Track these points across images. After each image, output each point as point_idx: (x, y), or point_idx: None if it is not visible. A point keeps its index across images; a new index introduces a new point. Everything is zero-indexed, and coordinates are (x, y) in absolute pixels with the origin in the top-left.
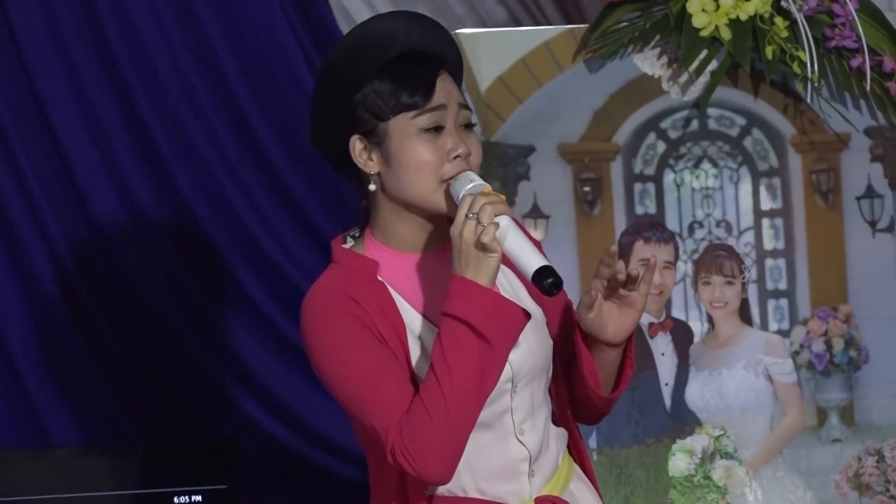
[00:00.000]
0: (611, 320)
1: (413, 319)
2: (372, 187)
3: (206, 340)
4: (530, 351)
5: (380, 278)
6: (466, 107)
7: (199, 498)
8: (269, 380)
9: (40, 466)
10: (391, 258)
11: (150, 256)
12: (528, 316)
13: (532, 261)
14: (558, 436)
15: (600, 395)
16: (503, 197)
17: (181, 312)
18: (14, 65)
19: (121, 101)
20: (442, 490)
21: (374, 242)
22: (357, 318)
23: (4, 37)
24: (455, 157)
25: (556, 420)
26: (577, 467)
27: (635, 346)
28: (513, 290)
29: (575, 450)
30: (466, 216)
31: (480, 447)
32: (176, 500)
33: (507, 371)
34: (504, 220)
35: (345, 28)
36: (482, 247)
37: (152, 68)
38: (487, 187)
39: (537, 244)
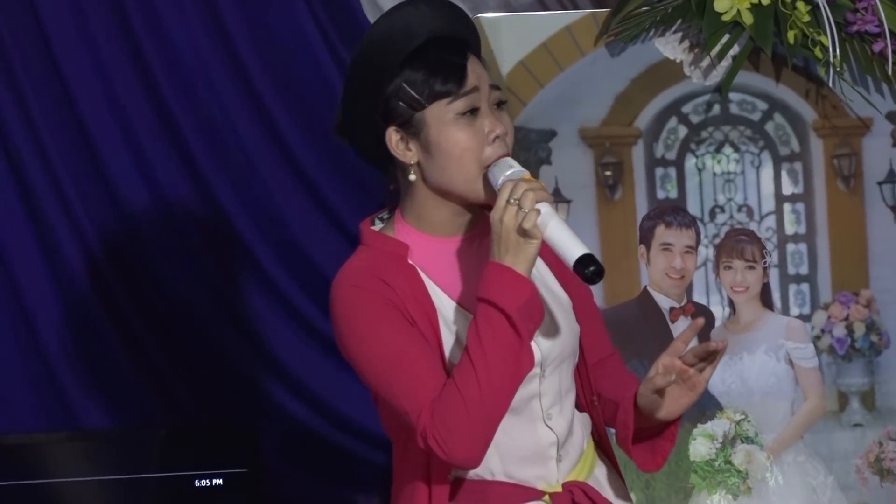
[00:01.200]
0: (668, 399)
1: (444, 303)
2: (412, 177)
3: (230, 326)
4: (559, 337)
5: (410, 261)
6: (496, 86)
7: (220, 482)
8: (293, 364)
9: (68, 450)
10: (422, 242)
11: (177, 246)
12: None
13: (574, 249)
14: (583, 421)
15: (628, 448)
16: (543, 184)
17: (206, 300)
18: (47, 67)
19: (149, 97)
20: (470, 473)
21: (405, 226)
22: (388, 300)
23: (38, 40)
24: (494, 139)
25: (580, 406)
26: (605, 466)
27: (656, 334)
28: (540, 276)
29: (598, 435)
30: (508, 202)
31: (508, 431)
32: (197, 483)
33: (536, 355)
34: (545, 207)
35: (372, 17)
36: (523, 233)
37: (180, 64)
38: (527, 174)
39: None
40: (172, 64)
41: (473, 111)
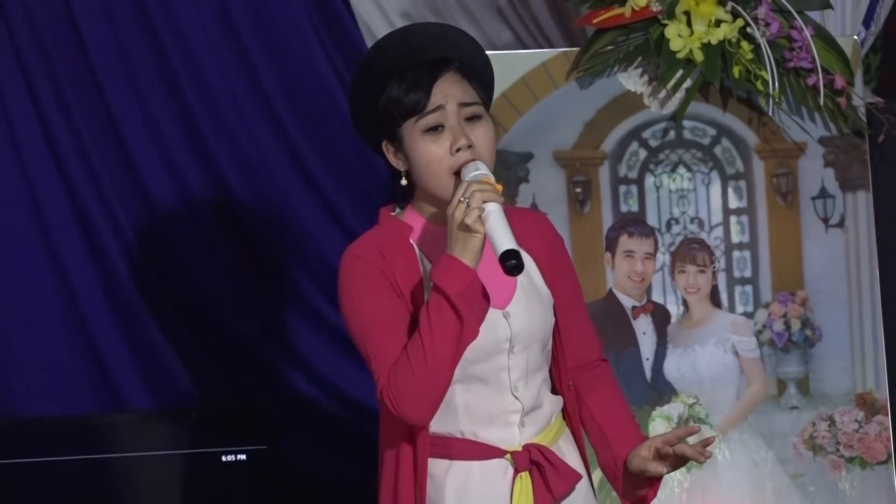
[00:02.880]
0: (650, 466)
1: (425, 278)
2: (404, 182)
3: (252, 318)
4: (529, 320)
5: (411, 241)
6: (470, 103)
7: (243, 456)
8: (306, 351)
9: (112, 428)
10: (426, 227)
11: (204, 243)
12: (488, 303)
13: (503, 243)
14: (553, 401)
15: (618, 491)
16: (500, 187)
17: (231, 294)
18: (87, 80)
19: (177, 108)
20: (443, 432)
21: (414, 213)
22: (380, 270)
23: (78, 54)
24: (457, 150)
25: (554, 390)
26: (568, 432)
27: (620, 330)
28: (527, 271)
29: (568, 417)
30: (459, 200)
31: (479, 398)
32: (224, 458)
33: (505, 331)
34: (492, 206)
35: (369, 42)
36: (465, 227)
37: (204, 81)
38: (488, 177)
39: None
40: (199, 82)
41: (437, 127)
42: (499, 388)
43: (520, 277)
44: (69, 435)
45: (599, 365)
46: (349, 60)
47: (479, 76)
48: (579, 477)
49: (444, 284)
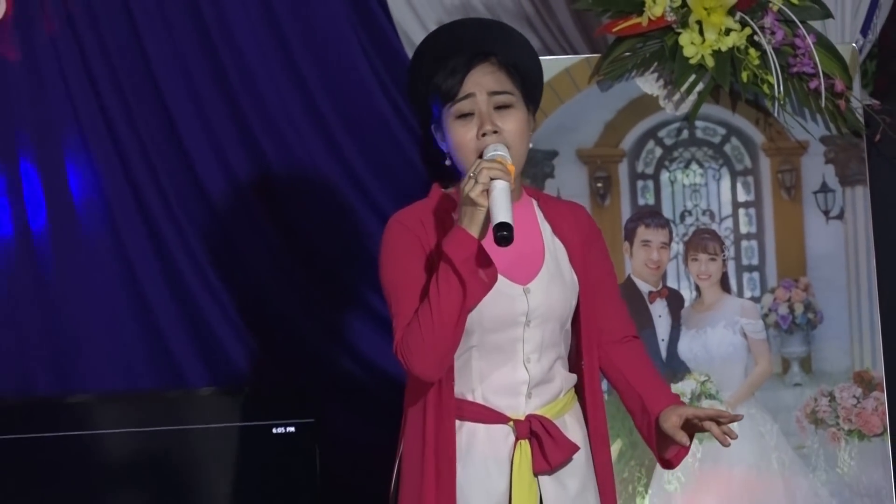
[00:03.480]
0: (677, 434)
1: None
2: (447, 162)
3: (299, 305)
4: (547, 298)
5: (453, 215)
6: (500, 92)
7: (292, 429)
8: (349, 334)
9: (175, 404)
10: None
11: (255, 236)
12: (494, 272)
13: (498, 216)
14: (566, 378)
15: (653, 448)
16: (512, 167)
17: (281, 281)
18: (149, 88)
19: (230, 112)
20: (462, 394)
21: (457, 191)
22: (416, 237)
23: (142, 66)
24: (483, 135)
25: (572, 367)
26: (577, 407)
27: (637, 313)
28: (554, 254)
29: (580, 395)
30: (469, 176)
31: (493, 365)
32: (274, 430)
33: (523, 305)
34: (498, 183)
35: (407, 48)
36: (471, 201)
37: (255, 87)
38: (501, 157)
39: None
40: (251, 89)
41: (468, 114)
42: (512, 358)
43: (546, 260)
44: (136, 409)
45: (632, 340)
46: (388, 64)
47: (522, 69)
48: (576, 449)
49: (450, 252)
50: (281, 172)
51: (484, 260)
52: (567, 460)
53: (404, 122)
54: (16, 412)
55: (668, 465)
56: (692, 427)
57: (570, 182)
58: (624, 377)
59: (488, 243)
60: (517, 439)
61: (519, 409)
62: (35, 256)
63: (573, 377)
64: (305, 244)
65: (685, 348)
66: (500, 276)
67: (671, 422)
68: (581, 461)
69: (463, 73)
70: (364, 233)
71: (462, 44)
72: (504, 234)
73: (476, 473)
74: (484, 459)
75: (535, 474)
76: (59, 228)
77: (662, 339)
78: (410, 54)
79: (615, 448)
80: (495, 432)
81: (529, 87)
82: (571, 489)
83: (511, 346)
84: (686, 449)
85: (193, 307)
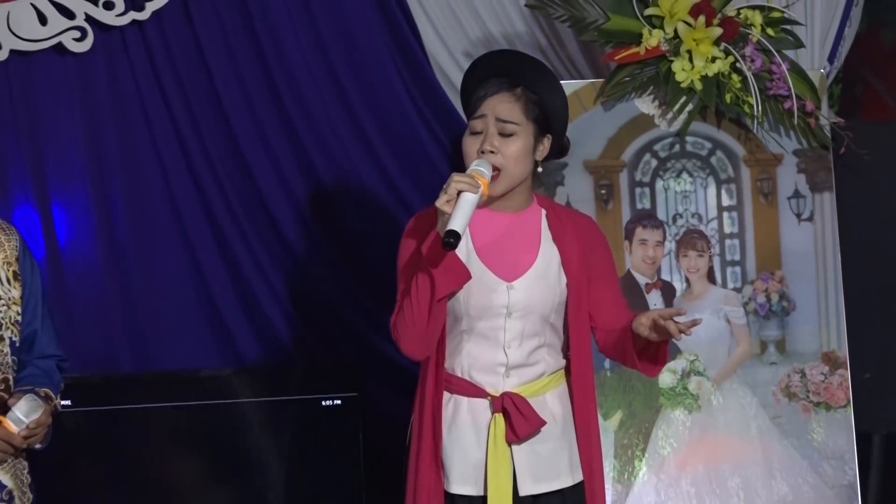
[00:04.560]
0: (642, 330)
1: (463, 249)
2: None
3: (344, 291)
4: (528, 295)
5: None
6: (507, 121)
7: (338, 402)
8: (383, 316)
9: (233, 379)
10: (481, 207)
11: (304, 232)
12: (462, 270)
13: (452, 224)
14: (550, 362)
15: (635, 362)
16: (484, 182)
17: (327, 272)
18: (213, 102)
19: (283, 123)
20: (452, 370)
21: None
22: (424, 234)
23: (207, 83)
24: (482, 152)
25: (565, 354)
26: (563, 389)
27: (636, 302)
28: (546, 258)
29: (570, 378)
30: (443, 187)
31: (478, 348)
32: (323, 403)
33: (504, 299)
34: (466, 196)
35: (437, 72)
36: (437, 210)
37: (305, 103)
38: (476, 172)
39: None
40: (302, 105)
41: (479, 132)
42: (494, 343)
43: (537, 263)
44: (201, 384)
45: (627, 314)
46: (420, 86)
47: (543, 102)
48: (542, 423)
49: (424, 251)
50: (326, 177)
51: (453, 259)
52: (535, 432)
53: (433, 134)
54: (101, 388)
55: (652, 371)
56: (660, 330)
57: (578, 189)
58: (614, 337)
59: (484, 246)
60: (493, 412)
61: (498, 386)
62: (116, 253)
63: (561, 362)
64: (347, 239)
65: None
66: (488, 272)
67: (642, 324)
68: (555, 432)
69: (484, 97)
70: (397, 228)
71: (497, 71)
72: (450, 240)
73: (458, 440)
74: (465, 428)
75: (508, 443)
76: (136, 227)
77: None
78: (440, 78)
79: (616, 419)
80: (476, 405)
81: (548, 117)
82: (543, 455)
83: (494, 333)
84: (664, 356)
85: (250, 295)
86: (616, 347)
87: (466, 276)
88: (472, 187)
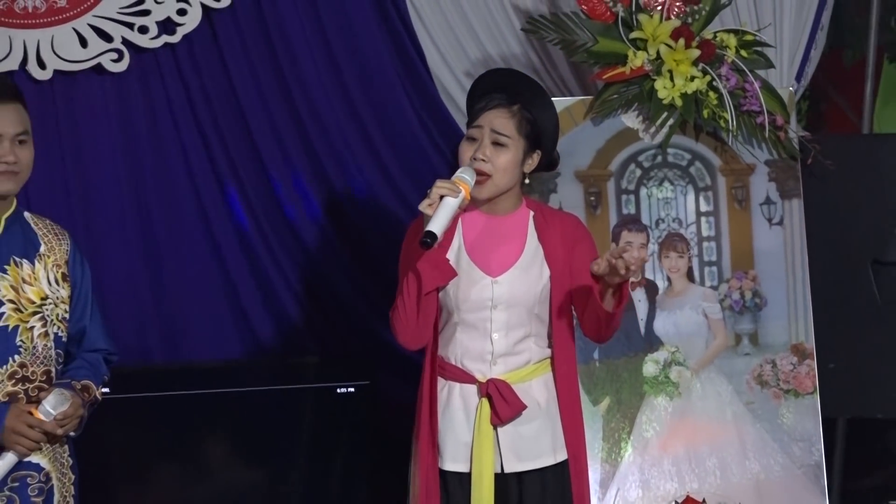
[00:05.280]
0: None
1: (455, 247)
2: None
3: (356, 289)
4: (512, 289)
5: (461, 217)
6: (500, 133)
7: (352, 389)
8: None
9: (254, 369)
10: (473, 210)
11: (321, 237)
12: (445, 266)
13: (430, 225)
14: (536, 351)
15: (604, 310)
16: (466, 187)
17: (341, 271)
18: (239, 122)
19: (301, 141)
20: (444, 357)
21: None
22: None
23: (233, 104)
24: (472, 159)
25: (550, 343)
26: (548, 377)
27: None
28: (533, 255)
29: (554, 367)
30: (427, 190)
31: (468, 337)
32: (338, 390)
33: (488, 293)
34: (447, 200)
35: (440, 89)
36: (420, 212)
37: (321, 122)
38: (460, 179)
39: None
40: (317, 117)
41: (473, 139)
42: (482, 333)
43: (521, 259)
44: (223, 373)
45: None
46: (424, 102)
47: (536, 120)
48: (523, 407)
49: (412, 250)
50: (338, 183)
51: (439, 257)
52: (516, 415)
53: (435, 144)
54: (136, 377)
55: (617, 309)
56: (613, 269)
57: (569, 196)
58: (588, 308)
59: (473, 244)
60: (480, 397)
61: (486, 372)
62: (150, 255)
63: (546, 352)
64: (358, 241)
65: (659, 326)
66: (475, 268)
67: (600, 266)
68: (538, 415)
69: (482, 109)
70: (402, 230)
71: (498, 88)
72: (426, 240)
73: (451, 422)
74: (457, 411)
75: (493, 425)
76: (167, 230)
77: (641, 319)
78: (441, 94)
79: (604, 405)
80: (466, 390)
81: (540, 135)
82: (526, 436)
83: (482, 324)
84: (626, 292)
85: (271, 292)
86: (589, 315)
87: (451, 274)
88: (453, 192)
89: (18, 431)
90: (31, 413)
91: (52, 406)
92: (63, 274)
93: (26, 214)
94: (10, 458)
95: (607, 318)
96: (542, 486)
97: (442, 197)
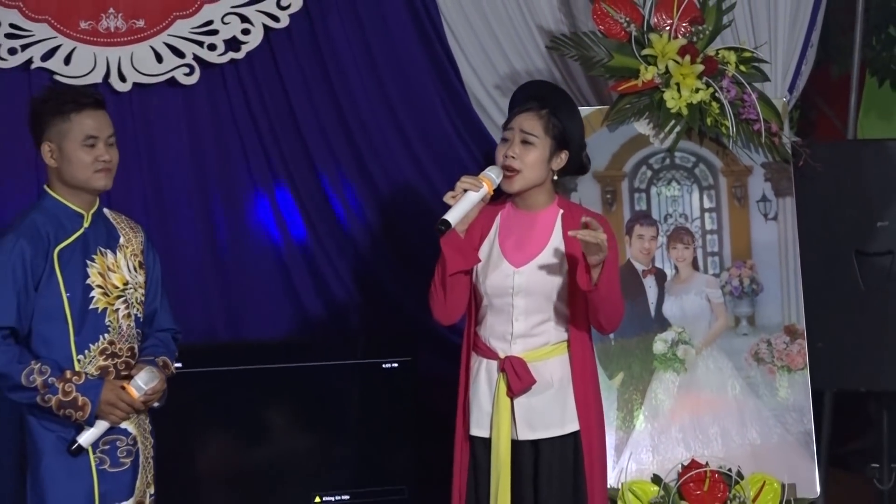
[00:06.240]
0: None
1: (490, 238)
2: None
3: (396, 277)
4: (532, 279)
5: (500, 212)
6: (528, 133)
7: (396, 365)
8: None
9: (307, 345)
10: (510, 205)
11: (366, 233)
12: (466, 251)
13: (448, 216)
14: (553, 334)
15: (580, 287)
16: (489, 183)
17: (383, 264)
18: (294, 134)
19: (347, 140)
20: (480, 336)
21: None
22: (472, 224)
23: (289, 117)
24: (505, 157)
25: (568, 328)
26: (566, 360)
27: (634, 285)
28: (556, 248)
29: (570, 348)
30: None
31: (495, 319)
32: (383, 366)
33: (510, 281)
34: (469, 194)
35: (472, 100)
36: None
37: (370, 136)
38: (484, 175)
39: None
40: (362, 122)
41: (507, 140)
42: (506, 316)
43: (545, 252)
44: (280, 350)
45: None
46: (459, 110)
47: (562, 124)
48: (532, 382)
49: (441, 237)
50: (382, 184)
51: (464, 244)
52: (526, 389)
53: (468, 149)
54: (202, 352)
55: (595, 298)
56: (587, 246)
57: (588, 194)
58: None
59: (505, 236)
60: (499, 371)
61: (506, 350)
62: (215, 247)
63: (564, 334)
64: (399, 234)
65: (668, 309)
66: (502, 258)
67: (577, 239)
68: (550, 390)
69: (517, 113)
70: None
71: (531, 97)
72: (440, 227)
73: (476, 393)
74: (483, 384)
75: (509, 397)
76: (231, 225)
77: (652, 303)
78: (474, 104)
79: (618, 379)
80: (491, 365)
81: (566, 136)
82: (537, 408)
83: (506, 308)
84: (600, 277)
85: (321, 278)
86: (587, 304)
87: (474, 259)
88: (475, 187)
89: (112, 403)
90: (123, 388)
91: (144, 382)
92: (139, 262)
93: (105, 210)
94: (103, 426)
95: (592, 301)
96: (553, 453)
97: (466, 191)
